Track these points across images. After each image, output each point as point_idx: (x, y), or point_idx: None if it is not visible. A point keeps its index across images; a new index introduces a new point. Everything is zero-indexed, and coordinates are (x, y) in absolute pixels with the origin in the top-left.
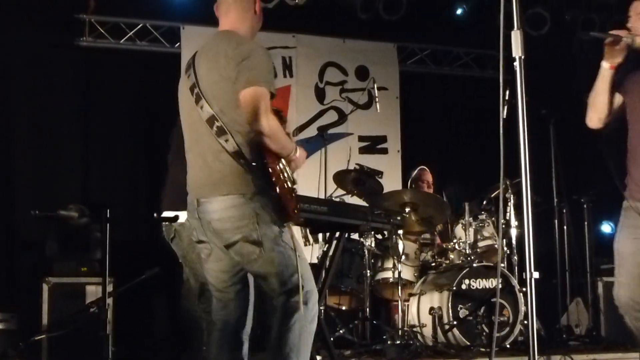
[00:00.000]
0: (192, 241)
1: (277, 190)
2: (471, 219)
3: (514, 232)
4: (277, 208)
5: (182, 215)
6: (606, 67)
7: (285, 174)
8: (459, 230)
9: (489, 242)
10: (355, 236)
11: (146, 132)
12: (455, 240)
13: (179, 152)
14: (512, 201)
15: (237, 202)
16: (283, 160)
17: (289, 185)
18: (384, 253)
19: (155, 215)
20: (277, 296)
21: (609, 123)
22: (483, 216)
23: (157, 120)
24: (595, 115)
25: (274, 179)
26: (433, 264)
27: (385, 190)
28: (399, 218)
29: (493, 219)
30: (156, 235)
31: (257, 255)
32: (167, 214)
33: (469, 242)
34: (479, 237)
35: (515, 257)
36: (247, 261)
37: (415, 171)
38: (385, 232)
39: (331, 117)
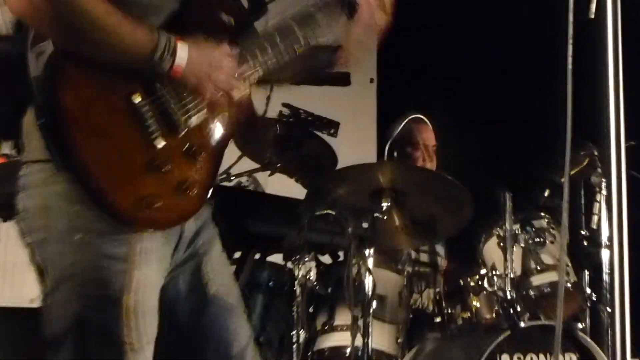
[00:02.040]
0: None
1: (80, 158)
2: (518, 226)
3: (605, 256)
4: (91, 196)
5: None
6: None
7: (150, 113)
8: (491, 248)
9: (553, 276)
10: (276, 259)
11: None
12: (483, 271)
13: None
14: (603, 192)
15: (33, 180)
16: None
17: (150, 143)
18: (334, 294)
19: None
20: None
21: None
22: (542, 222)
23: None
24: None
25: (74, 135)
26: (438, 319)
27: (341, 164)
28: (365, 225)
29: None
30: None
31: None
32: None
33: (512, 274)
34: (533, 264)
35: (609, 310)
36: None
37: (404, 123)
38: (340, 253)
39: None
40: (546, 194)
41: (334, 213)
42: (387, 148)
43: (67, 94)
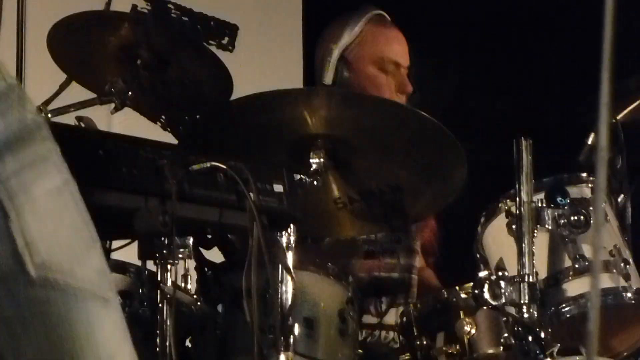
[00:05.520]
0: None
1: None
2: (543, 196)
3: None
4: None
5: None
6: None
7: None
8: (495, 235)
9: (604, 280)
10: (126, 254)
11: None
12: (483, 273)
13: None
14: None
15: None
16: None
17: None
18: (228, 318)
19: None
20: None
21: None
22: (584, 189)
23: None
24: None
25: None
26: (406, 358)
27: (240, 94)
28: (279, 189)
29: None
30: None
31: None
32: None
33: (531, 277)
34: (569, 261)
35: None
36: None
37: (360, 24)
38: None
39: None
40: (590, 140)
41: (224, 167)
42: (327, 65)
43: None
